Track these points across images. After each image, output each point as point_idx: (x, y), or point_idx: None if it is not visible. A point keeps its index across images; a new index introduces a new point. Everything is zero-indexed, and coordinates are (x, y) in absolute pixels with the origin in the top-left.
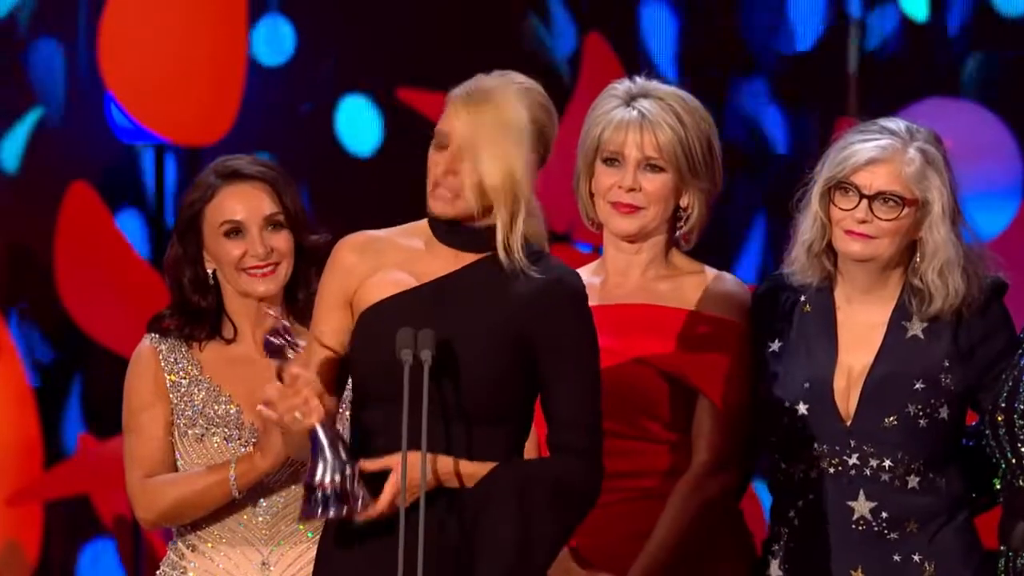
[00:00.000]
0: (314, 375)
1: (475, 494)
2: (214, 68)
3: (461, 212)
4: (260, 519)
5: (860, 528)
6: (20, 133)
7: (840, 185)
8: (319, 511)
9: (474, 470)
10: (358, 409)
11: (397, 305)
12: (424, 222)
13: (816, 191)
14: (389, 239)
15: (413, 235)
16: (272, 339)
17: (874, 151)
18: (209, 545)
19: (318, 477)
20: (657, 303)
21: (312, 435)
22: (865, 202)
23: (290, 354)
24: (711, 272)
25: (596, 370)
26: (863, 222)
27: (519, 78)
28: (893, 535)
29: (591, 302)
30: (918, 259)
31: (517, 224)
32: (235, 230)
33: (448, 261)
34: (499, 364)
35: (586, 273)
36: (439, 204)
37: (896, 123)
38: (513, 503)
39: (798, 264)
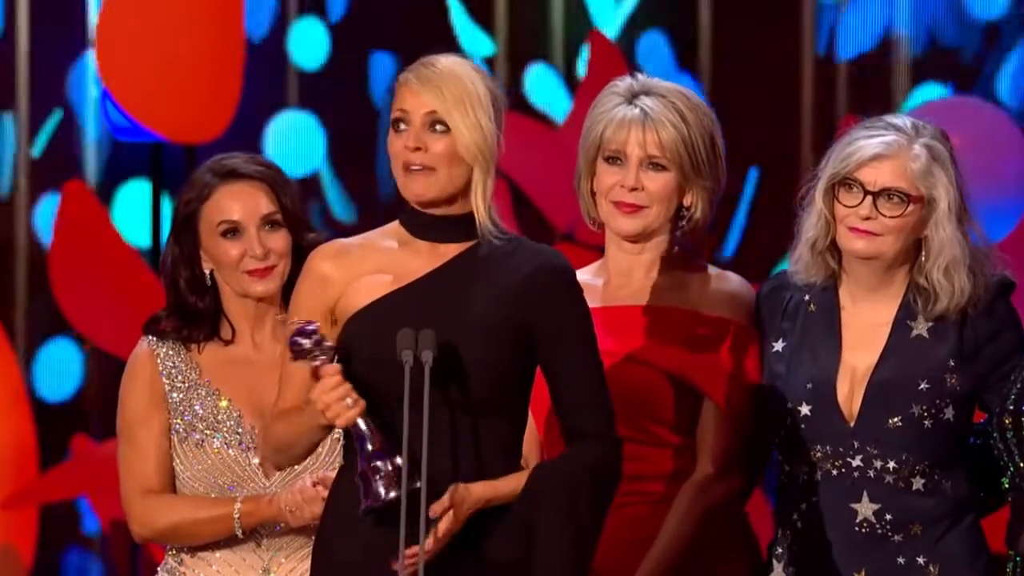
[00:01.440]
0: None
1: (522, 503)
2: (211, 65)
3: (436, 191)
4: (261, 526)
5: (863, 531)
6: (43, 137)
7: (844, 181)
8: (382, 495)
9: (512, 486)
10: None
11: (387, 306)
12: (396, 224)
13: (820, 188)
14: (364, 244)
15: (387, 237)
16: (301, 340)
17: (879, 147)
18: (209, 551)
19: (377, 463)
20: (660, 304)
21: (356, 429)
22: (870, 199)
23: (320, 355)
24: (714, 271)
25: (597, 348)
26: (867, 219)
27: (460, 56)
28: (897, 537)
29: (593, 304)
30: (923, 258)
31: (488, 188)
32: (232, 230)
33: (429, 258)
34: (500, 355)
35: (588, 274)
36: (414, 185)
37: (902, 119)
38: (563, 504)
39: (802, 263)
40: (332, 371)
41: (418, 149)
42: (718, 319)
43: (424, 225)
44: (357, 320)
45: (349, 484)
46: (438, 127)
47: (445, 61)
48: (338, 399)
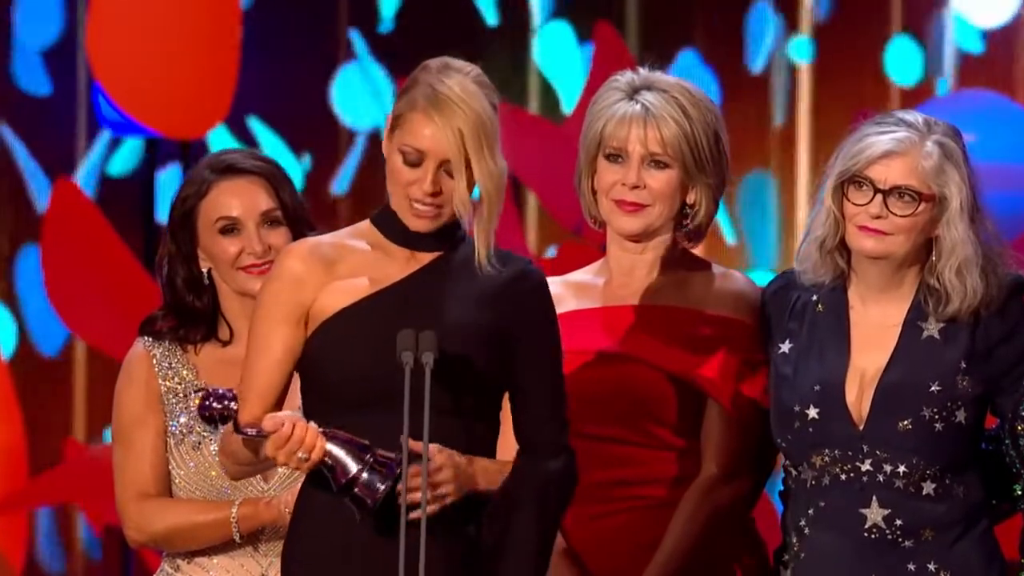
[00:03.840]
0: (286, 411)
1: (501, 498)
2: (207, 57)
3: (439, 224)
4: (259, 531)
5: (873, 536)
6: None
7: (854, 179)
8: (379, 488)
9: (496, 472)
10: (324, 417)
11: (366, 309)
12: (367, 225)
13: (829, 185)
14: (336, 245)
15: (360, 237)
16: (213, 404)
17: (890, 144)
18: (206, 556)
19: (360, 473)
20: (662, 303)
21: (323, 463)
22: (880, 197)
23: (228, 420)
24: (719, 270)
25: (561, 361)
26: (878, 217)
27: (464, 67)
28: (907, 543)
29: (593, 303)
30: (934, 258)
31: (495, 222)
32: (231, 227)
33: (405, 262)
34: (479, 360)
35: (589, 273)
36: (421, 223)
37: (914, 115)
38: (537, 507)
39: (810, 262)
40: (270, 427)
41: (435, 194)
42: (722, 318)
43: (403, 233)
44: (333, 324)
45: (315, 494)
46: (454, 172)
47: (459, 85)
48: (290, 454)
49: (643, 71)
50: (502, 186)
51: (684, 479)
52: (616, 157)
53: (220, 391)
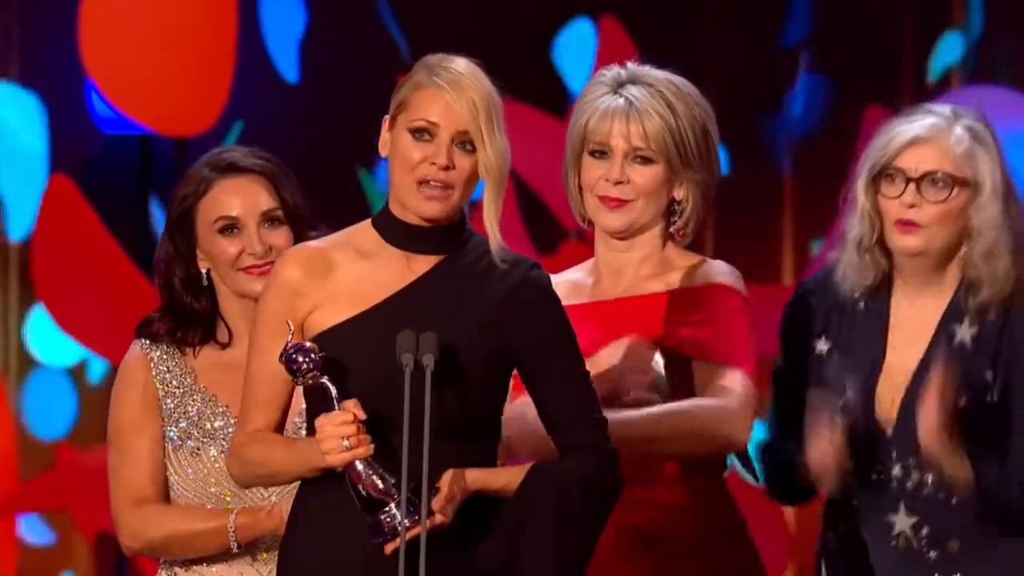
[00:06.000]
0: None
1: (512, 507)
2: (202, 53)
3: (450, 211)
4: (259, 539)
5: (899, 545)
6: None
7: (885, 172)
8: (398, 529)
9: (504, 479)
10: None
11: (358, 328)
12: (367, 226)
13: (861, 184)
14: (334, 251)
15: (358, 242)
16: (298, 357)
17: (919, 130)
18: (204, 564)
19: (380, 514)
20: (646, 292)
21: (351, 469)
22: (913, 185)
23: (310, 376)
24: (702, 259)
25: (582, 359)
26: (912, 206)
27: (463, 58)
28: (932, 554)
29: (584, 301)
30: (966, 245)
31: (500, 206)
32: (231, 227)
33: (401, 269)
34: (485, 374)
35: (580, 273)
36: (432, 205)
37: (941, 106)
38: (552, 515)
39: (850, 266)
40: (349, 406)
41: (447, 168)
42: (696, 288)
43: (401, 234)
44: (327, 340)
45: (313, 498)
46: (467, 146)
47: (465, 67)
48: (338, 435)
49: (631, 65)
50: (508, 166)
51: (683, 476)
52: (600, 152)
53: (307, 345)
